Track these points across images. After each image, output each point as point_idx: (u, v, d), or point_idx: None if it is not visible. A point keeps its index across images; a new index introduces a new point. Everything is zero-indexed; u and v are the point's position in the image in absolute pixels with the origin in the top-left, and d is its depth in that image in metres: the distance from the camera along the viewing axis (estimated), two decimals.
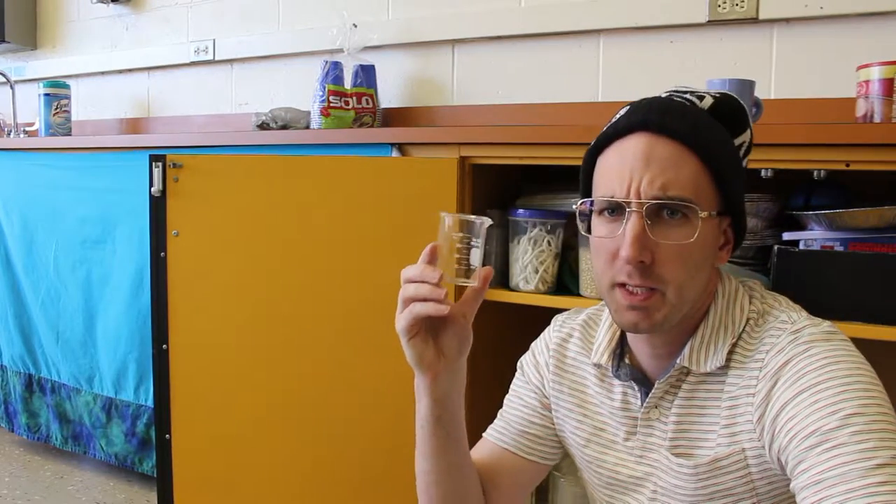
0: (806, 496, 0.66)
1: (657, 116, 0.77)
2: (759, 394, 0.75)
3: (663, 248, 0.76)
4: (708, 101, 0.80)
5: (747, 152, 0.83)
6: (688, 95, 0.81)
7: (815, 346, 0.74)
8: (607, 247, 0.78)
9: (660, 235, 0.76)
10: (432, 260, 0.77)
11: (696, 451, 0.81)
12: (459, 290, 0.79)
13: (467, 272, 0.78)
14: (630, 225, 0.75)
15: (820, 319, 0.79)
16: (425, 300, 0.75)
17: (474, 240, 0.78)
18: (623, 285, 0.77)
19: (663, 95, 0.83)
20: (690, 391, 0.82)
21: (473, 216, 0.78)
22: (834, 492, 0.64)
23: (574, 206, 0.84)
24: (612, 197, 0.77)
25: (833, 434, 0.66)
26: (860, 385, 0.69)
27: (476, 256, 0.78)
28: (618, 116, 0.81)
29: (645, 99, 0.81)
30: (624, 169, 0.77)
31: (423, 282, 0.76)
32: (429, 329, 0.80)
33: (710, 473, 0.79)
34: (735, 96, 0.83)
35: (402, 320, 0.78)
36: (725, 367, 0.80)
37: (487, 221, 0.79)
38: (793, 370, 0.73)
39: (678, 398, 0.82)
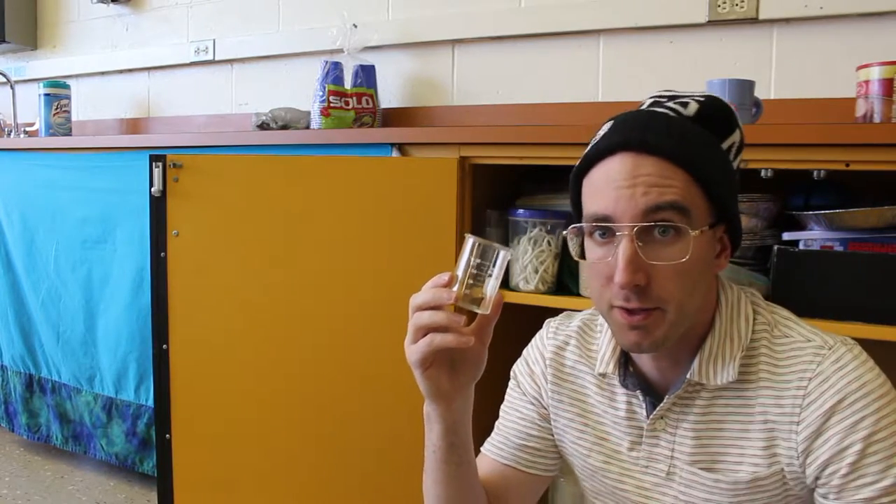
0: None
1: (638, 134, 0.74)
2: (808, 426, 0.75)
3: (658, 268, 0.73)
4: (693, 108, 0.77)
5: (738, 152, 0.81)
6: (671, 104, 0.78)
7: (866, 382, 0.74)
8: (601, 271, 0.76)
9: (653, 256, 0.73)
10: (445, 286, 0.74)
11: (719, 465, 0.80)
12: (469, 315, 0.77)
13: (479, 299, 0.75)
14: (621, 249, 0.73)
15: (837, 335, 0.79)
16: (445, 330, 0.72)
17: (493, 269, 0.75)
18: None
19: (647, 103, 0.80)
20: (707, 406, 0.81)
21: (498, 245, 0.75)
22: None
23: (564, 233, 0.82)
24: (601, 221, 0.75)
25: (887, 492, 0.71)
26: None
27: (490, 286, 0.75)
28: (599, 136, 0.78)
29: (625, 114, 0.79)
30: (609, 191, 0.74)
31: (436, 307, 0.73)
32: (445, 359, 0.77)
33: (750, 492, 0.79)
34: (720, 98, 0.80)
35: (416, 352, 0.74)
36: (744, 381, 0.78)
37: (511, 254, 0.77)
38: (848, 412, 0.73)
39: (694, 413, 0.81)
